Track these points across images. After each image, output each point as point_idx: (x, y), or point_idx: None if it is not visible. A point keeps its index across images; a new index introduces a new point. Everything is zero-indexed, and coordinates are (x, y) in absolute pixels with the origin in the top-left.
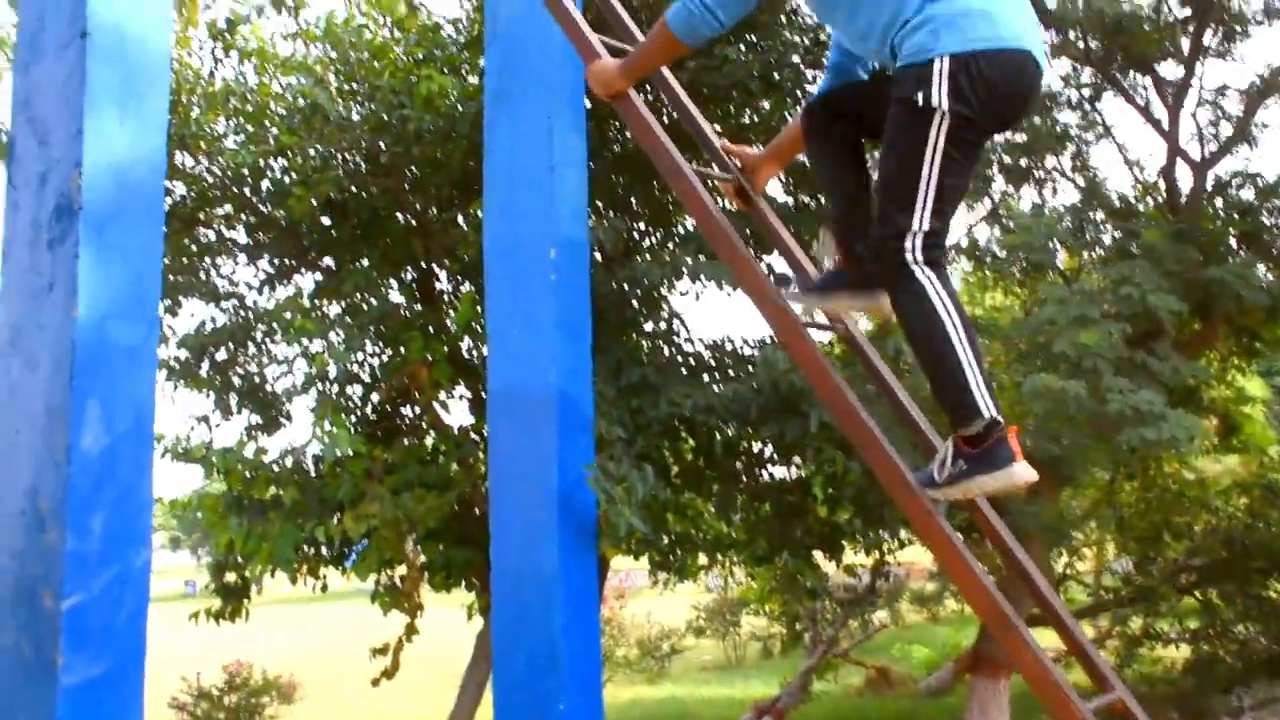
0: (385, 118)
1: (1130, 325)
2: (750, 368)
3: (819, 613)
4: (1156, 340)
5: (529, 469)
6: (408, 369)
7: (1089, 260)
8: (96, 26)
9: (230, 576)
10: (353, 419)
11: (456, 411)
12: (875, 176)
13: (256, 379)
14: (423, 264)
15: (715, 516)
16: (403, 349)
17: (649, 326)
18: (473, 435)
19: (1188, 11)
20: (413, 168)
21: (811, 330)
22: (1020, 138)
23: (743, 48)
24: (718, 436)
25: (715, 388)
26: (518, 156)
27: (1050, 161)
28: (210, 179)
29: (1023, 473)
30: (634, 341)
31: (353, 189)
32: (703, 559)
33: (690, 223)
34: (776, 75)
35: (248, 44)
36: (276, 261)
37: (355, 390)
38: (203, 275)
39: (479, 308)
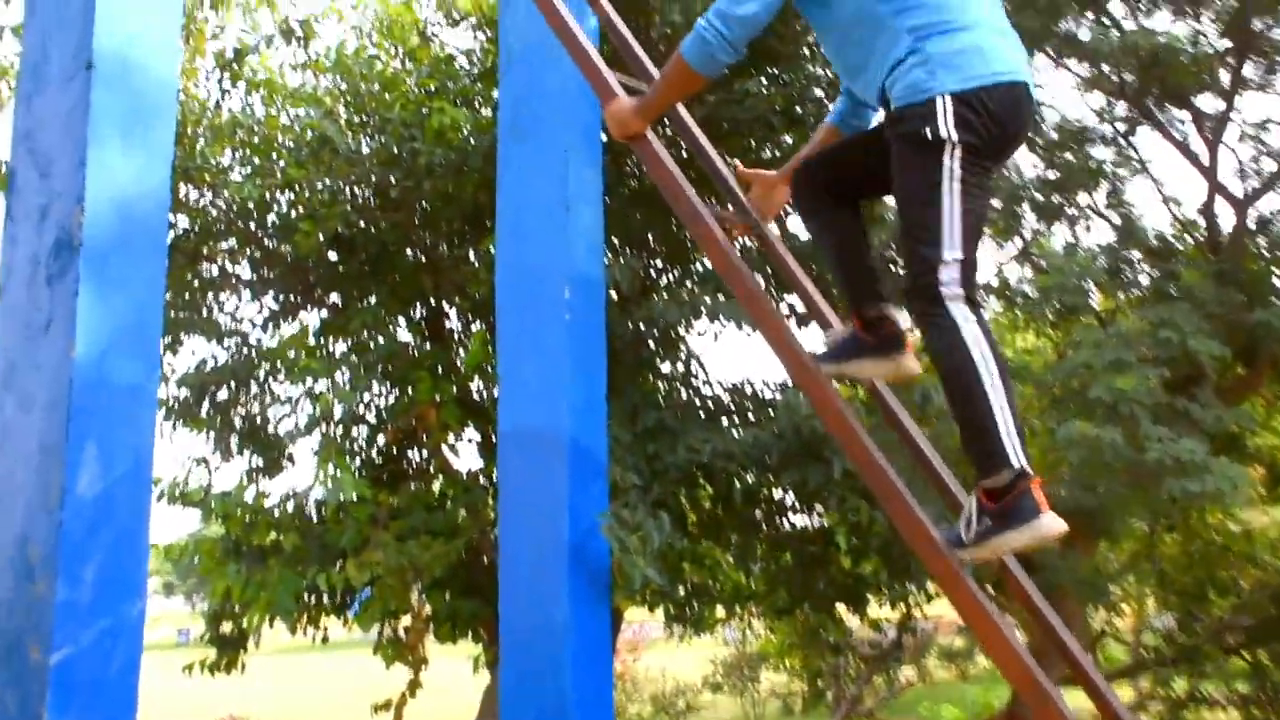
0: (395, 151)
1: (1170, 370)
2: (771, 412)
3: (842, 669)
4: (1198, 386)
5: (540, 516)
6: (415, 410)
7: (1125, 302)
8: (102, 57)
9: (227, 626)
10: (357, 462)
11: (465, 455)
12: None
13: (258, 420)
14: (432, 301)
15: (734, 567)
16: (410, 389)
17: (666, 368)
18: (482, 480)
19: (1227, 43)
20: (423, 202)
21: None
22: (1052, 174)
23: (764, 81)
24: (737, 483)
25: (735, 432)
26: (532, 192)
27: (1084, 199)
28: (214, 212)
29: (1051, 525)
30: (650, 384)
31: (361, 224)
32: (720, 611)
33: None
34: (799, 109)
35: (255, 74)
36: (281, 298)
37: (360, 432)
38: (205, 311)
39: (490, 347)
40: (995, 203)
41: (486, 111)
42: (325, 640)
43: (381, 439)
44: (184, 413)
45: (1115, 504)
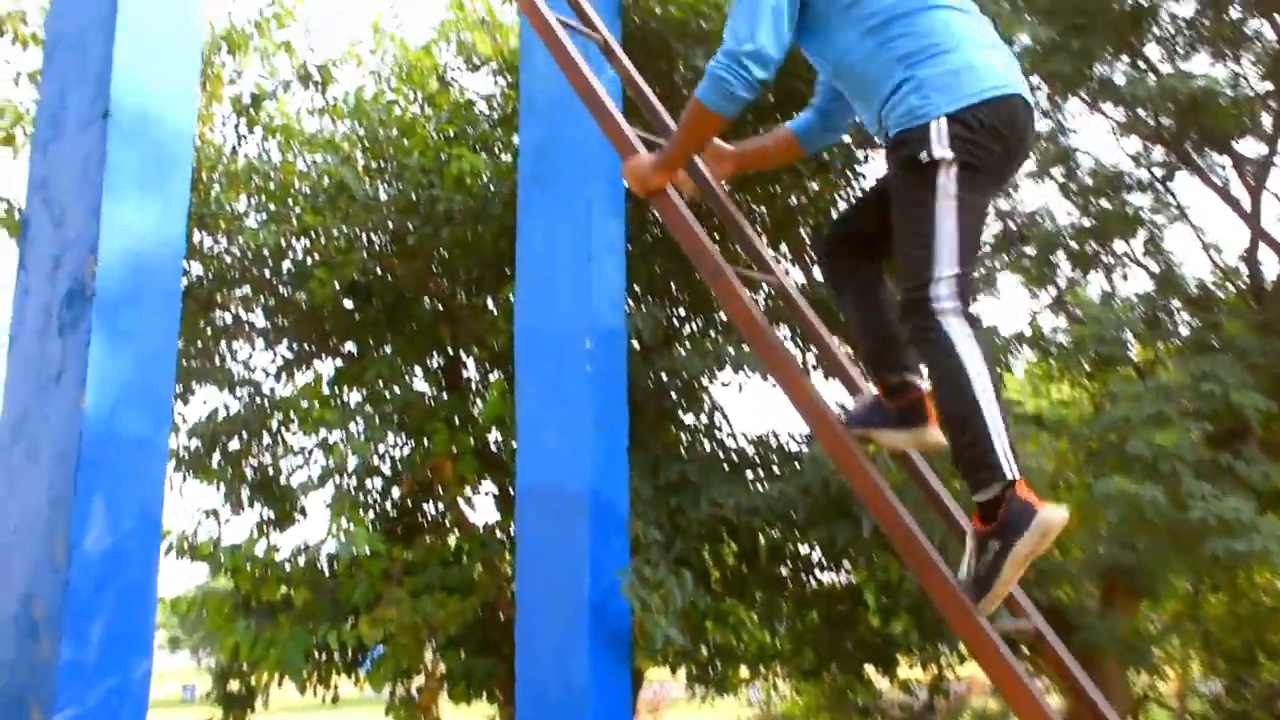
0: (414, 197)
1: (1212, 424)
2: (797, 465)
3: None
4: (1242, 441)
5: (559, 573)
6: (431, 462)
7: (1165, 353)
8: (119, 106)
9: (234, 684)
10: (371, 515)
11: (482, 509)
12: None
13: (270, 471)
14: (449, 351)
15: (758, 626)
16: (426, 441)
17: (689, 420)
18: (499, 535)
19: (1269, 85)
20: (441, 250)
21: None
22: (1088, 221)
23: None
24: (762, 539)
25: (760, 486)
26: (553, 241)
27: (1120, 246)
28: (229, 259)
29: (1053, 515)
30: (673, 436)
31: (378, 271)
32: (745, 672)
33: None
34: (826, 154)
35: (272, 120)
36: (295, 346)
37: (375, 484)
38: (217, 360)
39: (508, 398)
40: (1029, 250)
41: (506, 157)
42: (336, 699)
43: (396, 492)
44: (194, 464)
45: (1156, 563)
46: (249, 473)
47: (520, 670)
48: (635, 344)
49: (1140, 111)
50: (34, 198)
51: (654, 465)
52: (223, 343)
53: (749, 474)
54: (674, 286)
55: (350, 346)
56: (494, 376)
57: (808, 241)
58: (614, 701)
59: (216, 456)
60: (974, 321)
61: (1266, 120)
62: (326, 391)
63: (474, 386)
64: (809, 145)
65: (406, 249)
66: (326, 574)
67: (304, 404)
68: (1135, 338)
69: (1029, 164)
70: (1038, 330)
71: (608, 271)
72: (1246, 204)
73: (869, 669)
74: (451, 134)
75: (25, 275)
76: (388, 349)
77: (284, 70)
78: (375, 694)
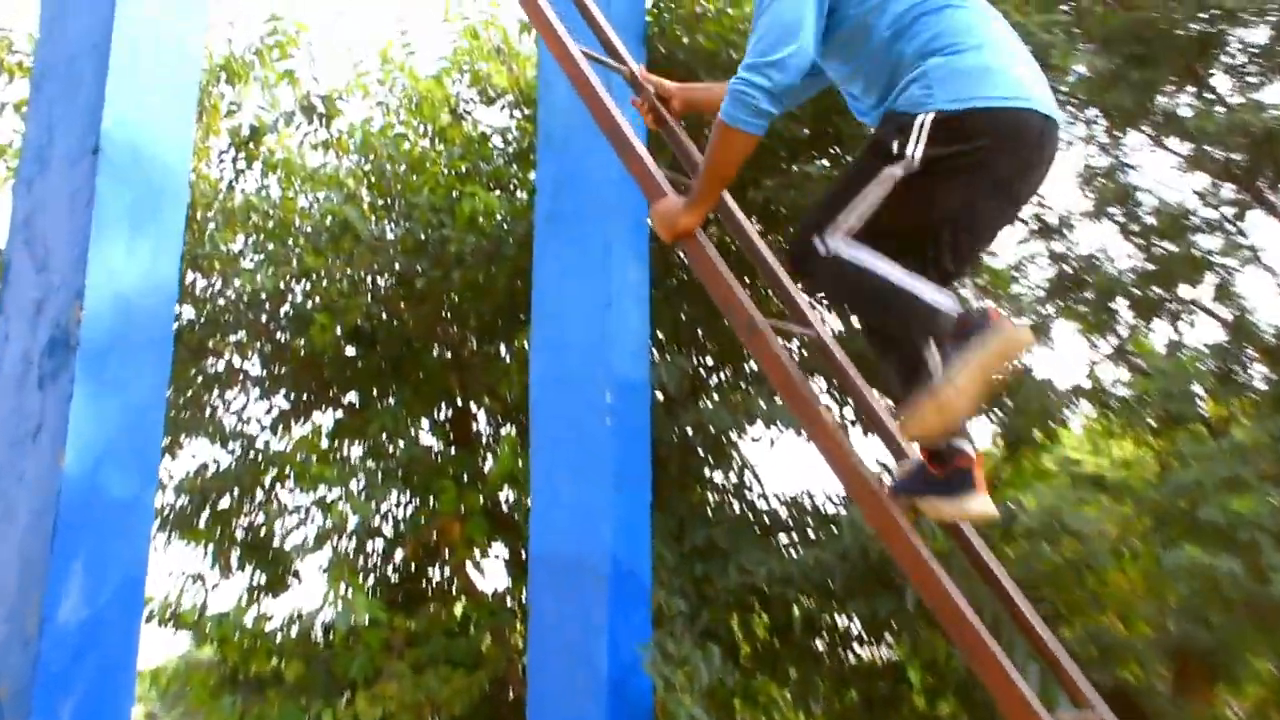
0: (423, 238)
1: None
2: (834, 529)
3: None
4: None
5: (575, 646)
6: (437, 523)
7: (1240, 409)
8: (110, 140)
9: None
10: (371, 580)
11: (492, 574)
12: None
13: (262, 532)
14: (459, 402)
15: (792, 705)
16: (432, 499)
17: (717, 479)
18: (510, 603)
19: None
20: (451, 294)
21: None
22: (1150, 264)
23: (825, 163)
24: (796, 611)
25: (794, 553)
26: (571, 285)
27: (1187, 292)
28: (223, 302)
29: (1015, 334)
30: (699, 497)
31: (383, 316)
32: None
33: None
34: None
35: (272, 154)
36: (293, 397)
37: (376, 546)
38: (208, 411)
39: (522, 455)
40: (1086, 296)
41: (522, 195)
42: None
43: (399, 555)
44: (180, 523)
45: (1235, 642)
46: (239, 533)
47: None
48: (659, 396)
49: (1208, 146)
50: (16, 238)
51: (679, 528)
52: (214, 392)
53: (782, 538)
54: (701, 334)
55: (352, 397)
56: (506, 430)
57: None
58: None
59: (204, 515)
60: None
61: None
62: (325, 445)
63: (484, 441)
64: None
65: (414, 293)
66: (321, 645)
67: (300, 459)
68: (1206, 392)
69: (1084, 203)
70: (1097, 383)
71: (630, 318)
72: None
73: None
74: (464, 170)
75: (4, 321)
76: (392, 400)
77: (286, 101)
78: None
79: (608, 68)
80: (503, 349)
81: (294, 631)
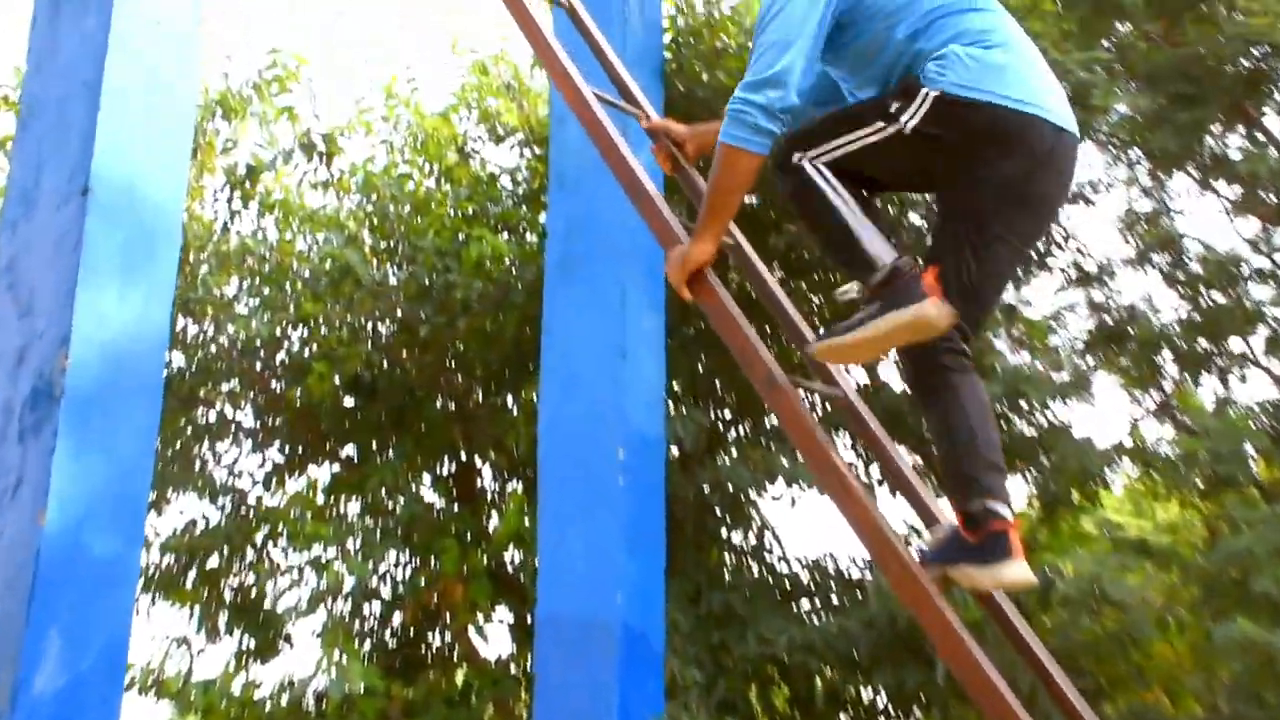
0: (427, 283)
1: None
2: (860, 595)
3: None
4: None
5: (583, 717)
6: (439, 585)
7: None
8: (100, 180)
9: None
10: (367, 646)
11: (495, 640)
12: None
13: (253, 593)
14: (463, 456)
15: None
16: (434, 560)
17: (735, 540)
18: (514, 670)
19: None
20: (456, 342)
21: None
22: (1197, 315)
23: None
24: (818, 682)
25: (816, 620)
26: (583, 334)
27: (1236, 345)
28: (215, 349)
29: (939, 311)
30: (716, 559)
31: (384, 365)
32: None
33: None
34: (893, 240)
35: (270, 194)
36: (287, 449)
37: (373, 609)
38: (197, 464)
39: (529, 513)
40: (1129, 348)
41: (532, 238)
42: None
43: (398, 618)
44: (165, 583)
45: None
46: (228, 594)
47: None
48: (674, 451)
49: (1259, 190)
50: None
51: (694, 593)
52: (204, 444)
53: (804, 604)
54: (719, 386)
55: (350, 450)
56: (512, 487)
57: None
58: None
59: (191, 575)
60: (834, 171)
61: None
62: (321, 501)
63: (489, 498)
64: None
65: (417, 340)
66: (314, 715)
67: (294, 515)
68: (1258, 452)
69: (1126, 249)
70: (1140, 441)
71: (645, 369)
72: None
73: None
74: (471, 212)
75: None
76: (392, 454)
77: (284, 138)
78: None
79: (621, 111)
80: (510, 400)
81: (285, 700)
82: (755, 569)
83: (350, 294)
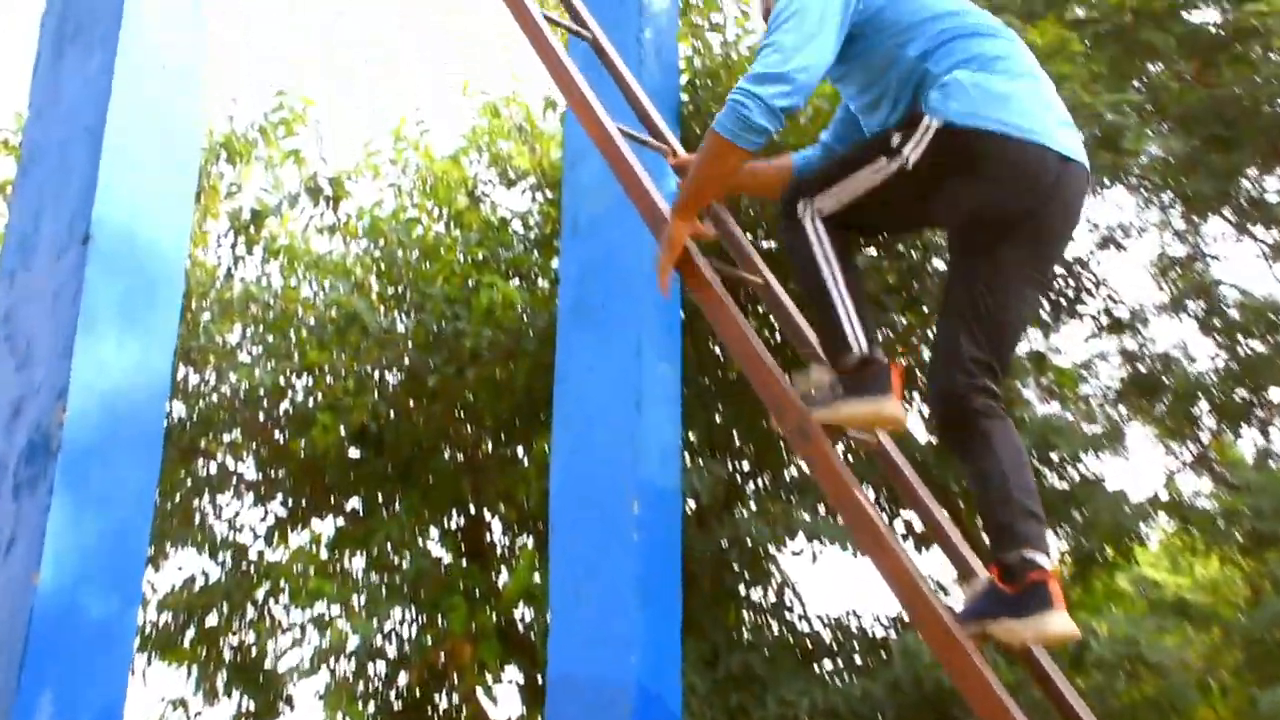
0: (436, 331)
1: None
2: (884, 655)
3: None
4: None
5: None
6: (446, 644)
7: None
8: (102, 228)
9: None
10: (372, 707)
11: (505, 701)
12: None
13: (253, 652)
14: (471, 509)
15: None
16: (441, 618)
17: (754, 597)
18: None
19: None
20: (466, 391)
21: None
22: (1235, 364)
23: (877, 252)
24: None
25: (839, 681)
26: (597, 383)
27: (1277, 394)
28: (217, 399)
29: (893, 410)
30: (735, 617)
31: (391, 415)
32: None
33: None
34: (915, 284)
35: (275, 239)
36: (290, 502)
37: (378, 669)
38: (197, 518)
39: (540, 569)
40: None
41: (544, 284)
42: None
43: (403, 678)
44: (162, 642)
45: None
46: (227, 654)
47: None
48: (691, 506)
49: None
50: None
51: (712, 653)
52: (205, 497)
53: (826, 665)
54: (737, 437)
55: (355, 503)
56: (523, 542)
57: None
58: None
59: (189, 633)
60: (832, 227)
61: None
62: (324, 556)
63: (499, 553)
64: None
65: (425, 390)
66: None
67: (297, 571)
68: None
69: (1159, 296)
70: (1176, 495)
71: (661, 420)
72: None
73: None
74: (481, 257)
75: None
76: (399, 507)
77: (291, 182)
78: None
79: (646, 146)
80: (521, 452)
81: None
82: (775, 628)
83: (356, 342)
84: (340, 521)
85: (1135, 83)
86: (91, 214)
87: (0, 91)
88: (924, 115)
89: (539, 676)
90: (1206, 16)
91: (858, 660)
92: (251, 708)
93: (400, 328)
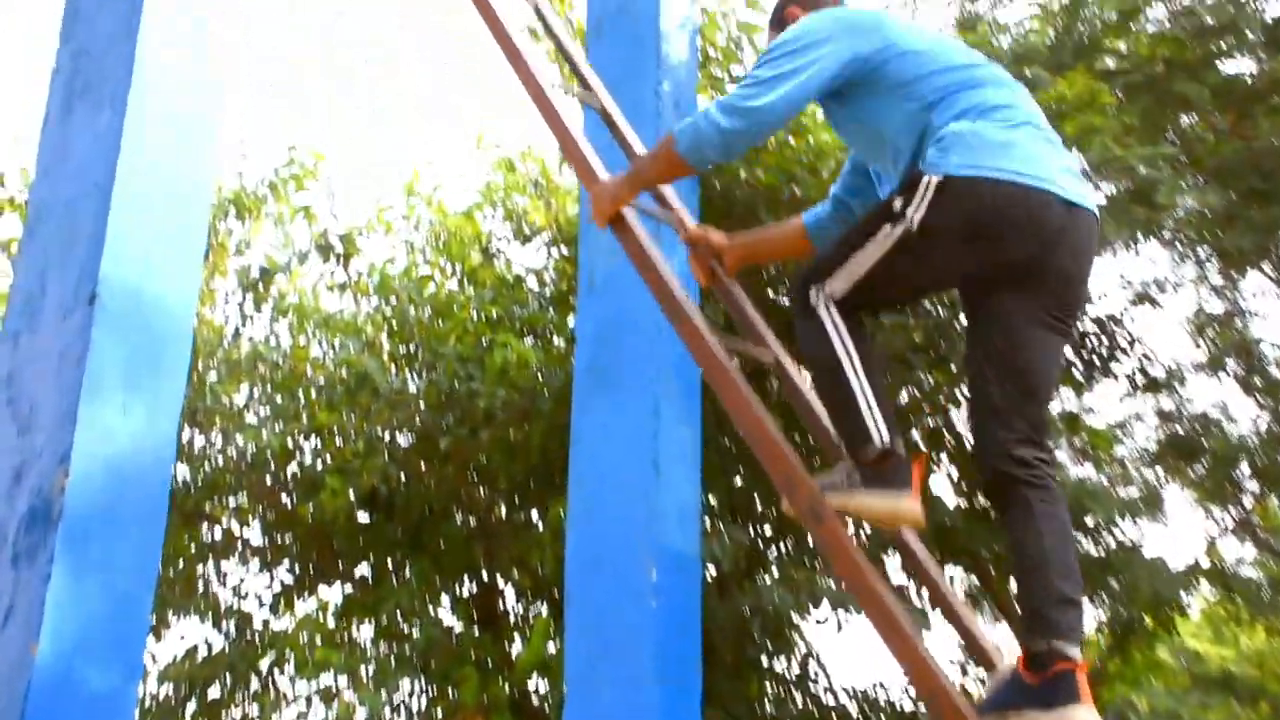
0: (449, 391)
1: None
2: None
3: None
4: None
5: None
6: (457, 716)
7: None
8: (108, 288)
9: None
10: None
11: None
12: None
13: None
14: (484, 576)
15: None
16: (453, 689)
17: (777, 668)
18: None
19: None
20: (479, 454)
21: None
22: (1277, 425)
23: (902, 309)
24: None
25: None
26: (614, 446)
27: None
28: (222, 462)
29: (910, 507)
30: (757, 689)
31: (402, 479)
32: None
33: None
34: (943, 343)
35: (284, 297)
36: (297, 569)
37: None
38: (201, 585)
39: (555, 638)
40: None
41: (560, 343)
42: None
43: None
44: (163, 716)
45: None
46: None
47: None
48: (711, 572)
49: None
50: None
51: None
52: (209, 563)
53: None
54: (757, 501)
55: (363, 570)
56: (537, 610)
57: (920, 447)
58: None
59: (191, 706)
60: (856, 324)
61: None
62: (331, 625)
63: (513, 621)
64: (818, 238)
65: (437, 452)
66: None
67: (303, 640)
68: None
69: (1197, 354)
70: (1218, 561)
71: (680, 484)
72: None
73: None
74: (495, 315)
75: None
76: (409, 574)
77: (301, 238)
78: None
79: (655, 219)
80: (535, 516)
81: None
82: (799, 700)
83: (367, 403)
84: (348, 588)
85: (1169, 135)
86: (99, 273)
87: (6, 149)
88: (923, 174)
89: None
90: (1241, 67)
91: None
92: None
93: (412, 388)
